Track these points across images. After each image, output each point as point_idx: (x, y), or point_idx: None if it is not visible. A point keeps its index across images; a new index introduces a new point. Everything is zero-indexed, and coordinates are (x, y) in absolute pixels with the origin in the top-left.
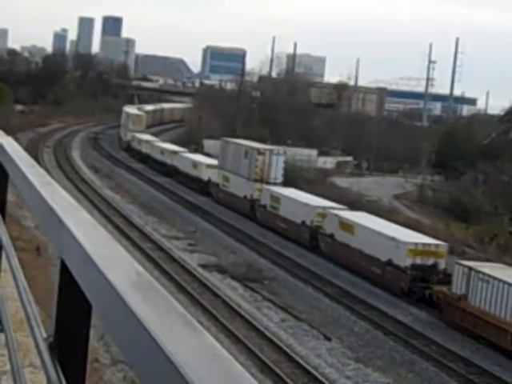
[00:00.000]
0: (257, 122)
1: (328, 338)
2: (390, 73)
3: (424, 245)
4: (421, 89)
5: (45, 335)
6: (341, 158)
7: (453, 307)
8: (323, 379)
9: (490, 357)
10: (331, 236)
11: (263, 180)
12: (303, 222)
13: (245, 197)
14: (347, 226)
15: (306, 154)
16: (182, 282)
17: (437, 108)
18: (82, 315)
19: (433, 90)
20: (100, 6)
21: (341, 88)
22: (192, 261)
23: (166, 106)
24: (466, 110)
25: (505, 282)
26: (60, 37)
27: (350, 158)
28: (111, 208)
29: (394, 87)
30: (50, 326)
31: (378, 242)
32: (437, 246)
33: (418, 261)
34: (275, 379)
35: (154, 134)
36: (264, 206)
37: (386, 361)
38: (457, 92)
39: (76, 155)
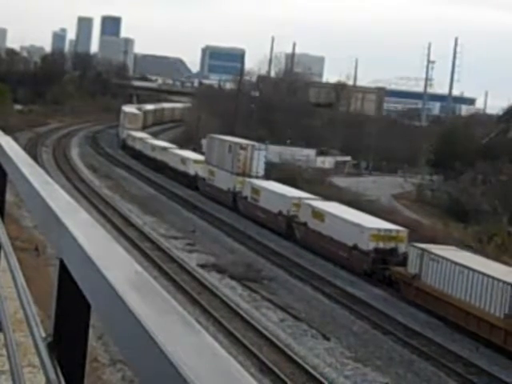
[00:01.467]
0: (256, 121)
1: (327, 338)
2: (388, 73)
3: (386, 230)
4: (420, 89)
5: (44, 335)
6: (339, 158)
7: (408, 285)
8: (322, 379)
9: (489, 357)
10: (305, 224)
11: (245, 173)
12: (280, 212)
13: (228, 189)
14: (318, 214)
15: (304, 154)
16: (181, 281)
17: (436, 108)
18: (81, 315)
19: (432, 90)
20: (99, 5)
21: (340, 88)
22: (191, 260)
23: (166, 105)
24: (464, 109)
25: (451, 261)
26: (59, 36)
27: (348, 158)
28: (109, 207)
29: (392, 87)
30: (48, 325)
31: (345, 228)
32: (398, 231)
33: (381, 245)
34: (274, 379)
35: (154, 134)
36: (245, 198)
37: (384, 360)
38: (456, 92)
39: (75, 155)
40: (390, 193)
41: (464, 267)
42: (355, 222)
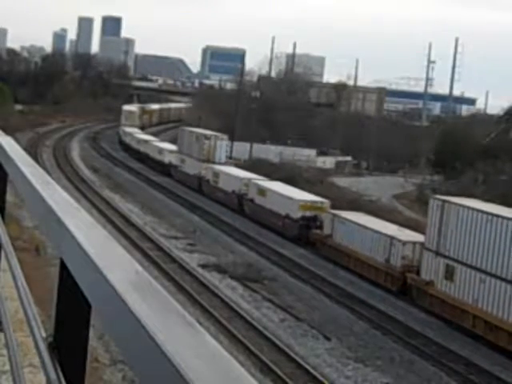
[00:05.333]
0: (256, 121)
1: (327, 338)
2: (389, 73)
3: (312, 202)
4: (420, 89)
5: (44, 335)
6: (340, 158)
7: (323, 244)
8: (322, 379)
9: (489, 356)
10: (252, 200)
11: (209, 160)
12: (233, 191)
13: (195, 174)
14: (262, 191)
15: (305, 154)
16: (182, 281)
17: (436, 108)
18: (82, 315)
19: (432, 90)
20: (99, 5)
21: (340, 88)
22: (191, 261)
23: (173, 105)
24: (465, 109)
25: (353, 222)
26: (59, 36)
27: (349, 158)
28: (110, 207)
29: (393, 87)
30: (49, 325)
31: (280, 201)
32: (322, 202)
33: (308, 214)
34: (274, 379)
35: (156, 133)
36: (208, 181)
37: (385, 360)
38: (456, 92)
39: (75, 155)
40: (390, 193)
41: (361, 226)
42: (287, 195)
